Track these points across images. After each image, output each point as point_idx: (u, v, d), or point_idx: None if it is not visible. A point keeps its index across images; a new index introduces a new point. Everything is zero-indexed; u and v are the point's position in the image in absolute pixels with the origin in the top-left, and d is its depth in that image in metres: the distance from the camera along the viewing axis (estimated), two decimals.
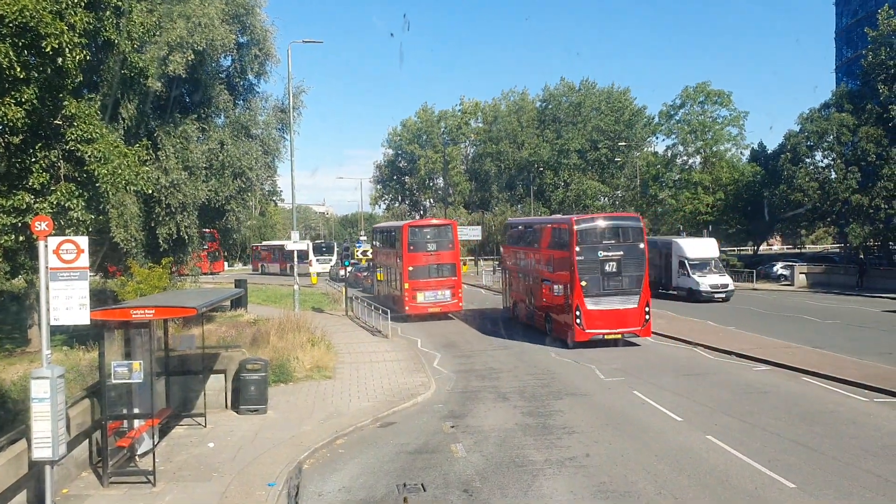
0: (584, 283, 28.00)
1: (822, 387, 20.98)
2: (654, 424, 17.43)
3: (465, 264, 74.44)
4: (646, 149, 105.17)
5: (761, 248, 77.58)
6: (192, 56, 29.32)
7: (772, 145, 66.56)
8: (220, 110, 34.43)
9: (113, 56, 26.72)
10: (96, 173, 19.00)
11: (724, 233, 64.22)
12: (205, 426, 17.71)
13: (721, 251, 64.18)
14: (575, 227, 28.61)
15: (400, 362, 26.16)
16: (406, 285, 37.71)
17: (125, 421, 14.49)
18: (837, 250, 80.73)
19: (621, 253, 28.40)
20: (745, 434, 16.33)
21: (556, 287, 29.38)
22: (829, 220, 53.17)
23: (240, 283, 44.24)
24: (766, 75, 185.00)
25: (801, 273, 54.12)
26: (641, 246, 28.99)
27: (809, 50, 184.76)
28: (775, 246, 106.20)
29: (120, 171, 19.50)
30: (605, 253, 28.34)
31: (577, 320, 27.92)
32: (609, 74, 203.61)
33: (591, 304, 28.10)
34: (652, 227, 73.32)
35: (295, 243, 37.56)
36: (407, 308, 37.87)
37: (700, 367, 24.25)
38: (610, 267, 28.34)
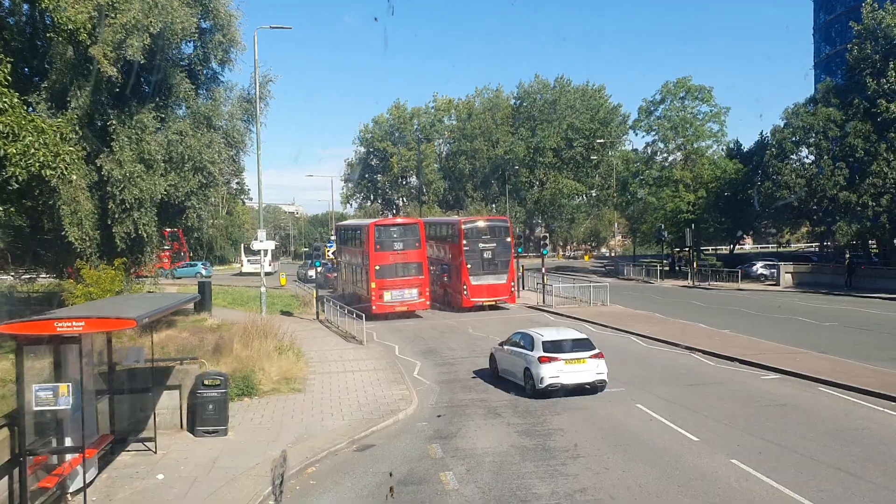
0: (469, 266, 39.11)
1: (841, 398, 19.12)
2: (668, 446, 15.41)
3: None
4: (621, 147, 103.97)
5: (734, 247, 76.32)
6: (150, 40, 27.04)
7: (748, 143, 65.31)
8: (180, 100, 32.07)
9: (57, 35, 24.38)
10: (5, 153, 16.39)
11: (704, 232, 62.64)
12: (155, 452, 15.38)
13: (701, 250, 63.19)
14: (463, 226, 40.23)
15: (377, 372, 23.94)
16: (373, 284, 36.93)
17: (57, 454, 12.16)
18: (815, 249, 79.89)
19: (495, 244, 39.73)
20: (773, 457, 14.35)
21: (451, 270, 38.98)
22: (815, 217, 51.75)
23: (203, 286, 41.79)
24: (742, 73, 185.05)
25: (786, 273, 52.70)
26: (508, 240, 41.01)
27: (788, 47, 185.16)
28: (747, 245, 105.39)
29: (34, 150, 16.87)
30: (484, 245, 39.48)
31: (465, 291, 39.04)
32: (584, 72, 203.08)
33: (474, 280, 39.31)
34: (632, 227, 71.86)
35: (261, 243, 35.14)
36: (374, 307, 36.77)
37: (704, 376, 22.32)
38: (487, 254, 39.42)
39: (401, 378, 22.84)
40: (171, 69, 30.45)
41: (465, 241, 39.40)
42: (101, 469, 13.83)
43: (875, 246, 58.95)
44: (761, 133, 69.05)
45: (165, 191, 29.39)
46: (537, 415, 18.24)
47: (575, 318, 35.77)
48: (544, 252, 43.25)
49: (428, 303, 38.30)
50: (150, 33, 26.85)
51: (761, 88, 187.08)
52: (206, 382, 16.96)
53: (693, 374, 22.59)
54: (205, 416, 16.78)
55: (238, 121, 35.00)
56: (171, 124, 30.49)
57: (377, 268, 37.09)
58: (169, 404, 17.25)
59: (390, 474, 13.89)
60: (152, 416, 15.93)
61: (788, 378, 21.58)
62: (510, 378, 21.66)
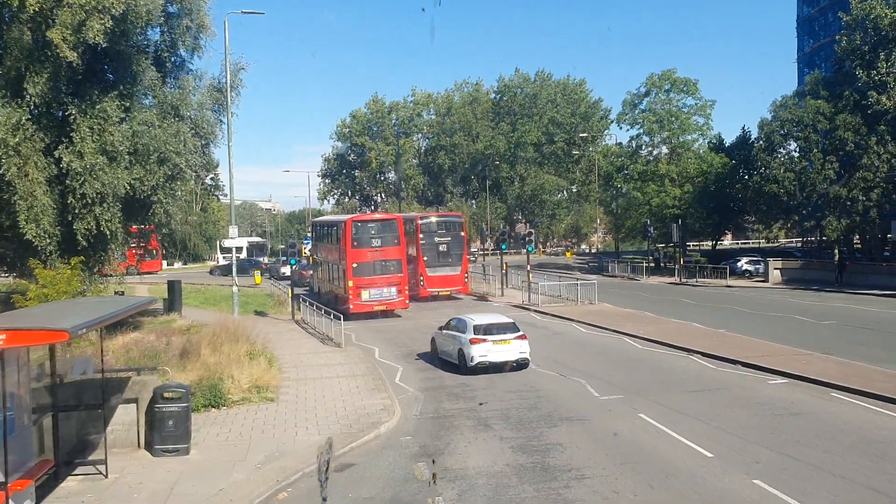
0: (425, 258, 41.61)
1: (859, 405, 17.70)
2: (680, 463, 13.88)
3: None
4: (602, 142, 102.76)
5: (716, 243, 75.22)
6: (111, 23, 25.17)
7: (731, 138, 64.13)
8: (146, 88, 30.27)
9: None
10: None
11: (689, 227, 61.35)
12: (106, 476, 13.64)
13: (686, 246, 61.92)
14: (419, 222, 43.07)
15: (356, 378, 22.26)
16: (350, 283, 35.48)
17: None
18: (797, 245, 78.97)
19: (449, 239, 42.45)
20: (801, 477, 12.87)
21: (409, 262, 39.44)
22: (804, 212, 50.63)
23: (173, 285, 39.92)
24: (725, 69, 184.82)
25: (775, 269, 51.54)
26: (462, 234, 44.40)
27: (771, 42, 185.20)
28: (726, 241, 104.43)
29: None
30: (439, 239, 42.09)
31: (422, 282, 41.13)
32: (565, 66, 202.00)
33: (430, 272, 41.82)
34: (616, 223, 70.52)
35: (233, 240, 33.27)
36: (351, 306, 35.35)
37: (707, 381, 20.84)
38: (442, 248, 41.99)
39: (382, 385, 21.18)
40: (137, 56, 28.64)
41: (421, 236, 42.24)
42: (39, 500, 12.06)
43: (858, 242, 58.05)
44: (743, 128, 68.12)
45: (130, 184, 27.52)
46: (532, 427, 16.66)
47: (563, 317, 34.30)
48: (530, 249, 41.63)
49: (408, 301, 36.78)
50: (111, 15, 25.01)
51: (744, 83, 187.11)
52: (165, 395, 15.24)
53: (695, 379, 21.10)
54: (164, 432, 15.05)
55: (208, 111, 33.21)
56: (137, 114, 28.63)
57: (355, 265, 35.57)
58: (125, 420, 15.52)
59: None
60: (104, 434, 14.16)
61: (797, 383, 20.17)
62: (447, 358, 23.97)
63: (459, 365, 22.77)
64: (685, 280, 53.64)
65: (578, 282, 41.13)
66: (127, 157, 27.45)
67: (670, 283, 53.40)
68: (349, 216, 43.31)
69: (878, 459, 13.69)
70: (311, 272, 50.91)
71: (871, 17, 49.68)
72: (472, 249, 61.58)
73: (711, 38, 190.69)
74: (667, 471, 13.49)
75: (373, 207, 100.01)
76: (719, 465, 13.66)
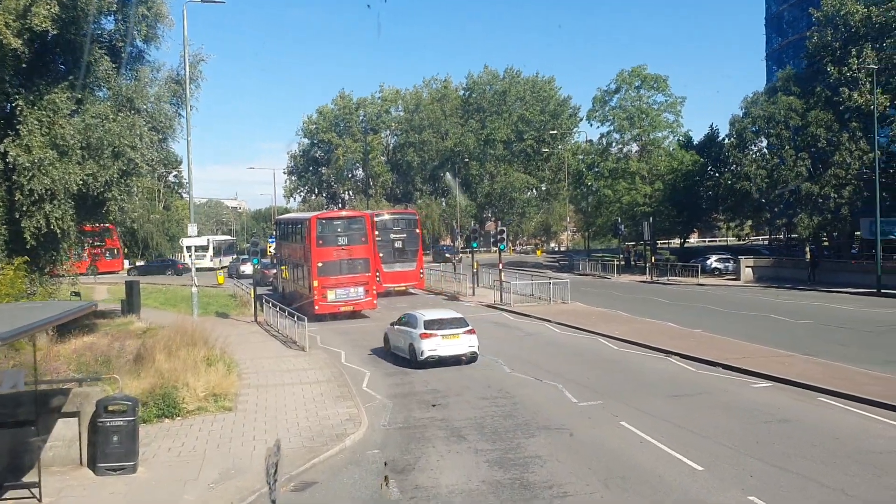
0: (381, 255, 41.70)
1: (849, 411, 16.90)
2: (669, 477, 12.91)
3: None
4: (571, 140, 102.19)
5: (684, 241, 74.97)
6: (58, 9, 23.76)
7: (697, 136, 63.74)
8: (100, 80, 28.72)
9: None
10: None
11: (659, 225, 60.81)
12: (40, 500, 12.33)
13: (656, 244, 61.45)
14: (375, 219, 42.65)
15: (321, 384, 21.06)
16: (315, 283, 34.19)
17: None
18: (764, 242, 79.05)
19: (405, 236, 43.17)
20: (801, 493, 11.97)
21: None
22: (776, 209, 50.24)
23: (131, 285, 38.35)
24: (694, 68, 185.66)
25: (747, 267, 51.11)
26: (417, 231, 45.79)
27: (740, 39, 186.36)
28: (693, 238, 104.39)
29: None
30: (395, 235, 42.57)
31: (378, 278, 39.80)
32: (534, 64, 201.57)
33: (386, 268, 42.31)
34: (586, 220, 69.87)
35: (192, 238, 31.78)
36: (317, 307, 34.10)
37: (689, 385, 19.95)
38: (398, 244, 42.51)
39: (347, 392, 20.00)
40: (89, 45, 27.16)
41: (377, 233, 42.47)
42: None
43: (826, 239, 57.83)
44: (711, 126, 67.64)
45: (82, 180, 26.08)
46: (508, 438, 15.60)
47: (536, 317, 33.36)
48: (502, 247, 40.67)
49: (375, 302, 35.54)
50: (59, 1, 23.67)
51: (712, 82, 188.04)
52: (110, 408, 13.94)
53: (676, 383, 20.20)
54: (108, 449, 13.76)
55: (166, 104, 31.70)
56: (90, 107, 27.19)
57: (320, 265, 34.23)
58: (65, 435, 14.20)
59: None
60: (39, 453, 12.85)
61: (781, 386, 19.35)
62: (399, 353, 24.47)
63: (410, 359, 23.43)
64: (656, 278, 53.05)
65: (551, 281, 40.22)
66: (79, 151, 26.01)
67: (641, 282, 52.76)
68: (314, 213, 42.05)
69: (880, 472, 12.82)
70: (273, 271, 49.98)
71: (842, 13, 49.49)
72: (450, 248, 60.44)
73: (679, 37, 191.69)
74: (656, 486, 12.51)
75: (340, 205, 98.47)
76: (711, 480, 12.70)
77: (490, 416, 17.33)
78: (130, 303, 37.21)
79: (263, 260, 48.08)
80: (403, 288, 43.02)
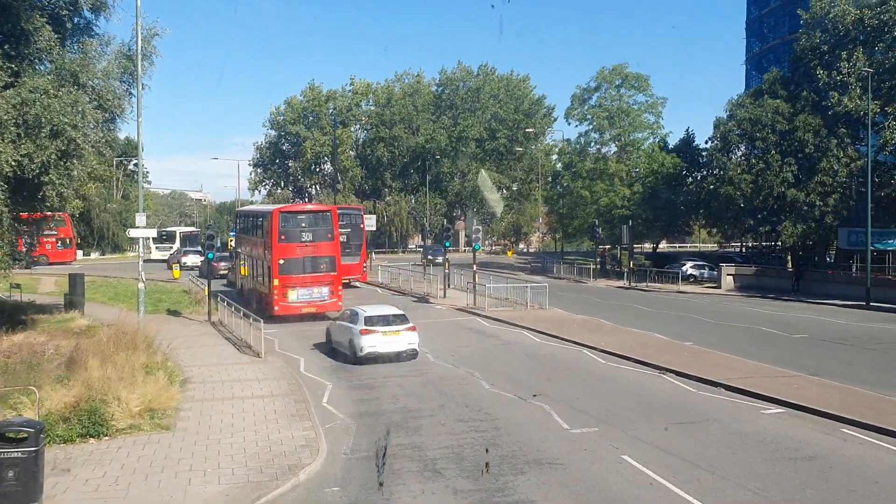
0: None
1: (880, 447, 14.78)
2: None
3: None
4: (545, 140, 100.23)
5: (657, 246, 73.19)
6: None
7: (675, 139, 61.91)
8: (41, 51, 25.87)
9: None
10: None
11: (635, 229, 58.73)
12: None
13: (630, 249, 59.44)
14: None
15: (275, 399, 18.48)
16: (275, 281, 31.48)
17: None
18: (738, 250, 77.56)
19: (349, 230, 42.00)
20: None
21: None
22: (759, 216, 48.45)
23: (75, 278, 35.45)
24: (672, 71, 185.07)
25: (728, 275, 49.30)
26: (361, 226, 46.42)
27: (719, 43, 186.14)
28: (662, 244, 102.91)
29: None
30: (340, 230, 37.00)
31: None
32: (508, 63, 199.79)
33: None
34: (561, 222, 67.75)
35: (140, 230, 28.89)
36: (276, 308, 31.59)
37: (693, 409, 17.71)
38: (342, 238, 38.19)
39: (305, 409, 17.45)
40: (28, 13, 24.38)
41: None
42: None
43: (801, 248, 56.28)
44: (687, 130, 65.77)
45: (16, 161, 23.27)
46: (493, 474, 13.19)
47: (513, 324, 31.04)
48: (476, 247, 38.29)
49: (340, 303, 32.85)
50: None
51: (691, 87, 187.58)
52: (7, 435, 11.28)
53: (678, 407, 17.95)
54: (2, 487, 11.10)
55: (115, 80, 28.82)
56: (27, 80, 24.34)
57: (281, 262, 31.52)
58: None
59: None
60: None
61: (796, 413, 17.20)
62: (340, 348, 24.35)
63: (349, 355, 23.35)
64: (634, 284, 51.07)
65: (529, 285, 37.92)
66: (13, 129, 23.22)
67: (619, 287, 50.71)
68: (276, 206, 39.39)
69: None
70: (222, 264, 48.28)
71: (831, 15, 47.90)
72: (437, 249, 57.29)
73: (656, 42, 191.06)
74: None
75: (307, 199, 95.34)
76: None
77: (470, 445, 14.92)
78: (74, 297, 34.36)
79: (220, 254, 45.54)
80: (347, 280, 41.55)
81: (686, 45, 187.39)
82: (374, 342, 22.82)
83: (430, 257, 55.83)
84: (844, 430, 15.79)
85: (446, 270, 41.90)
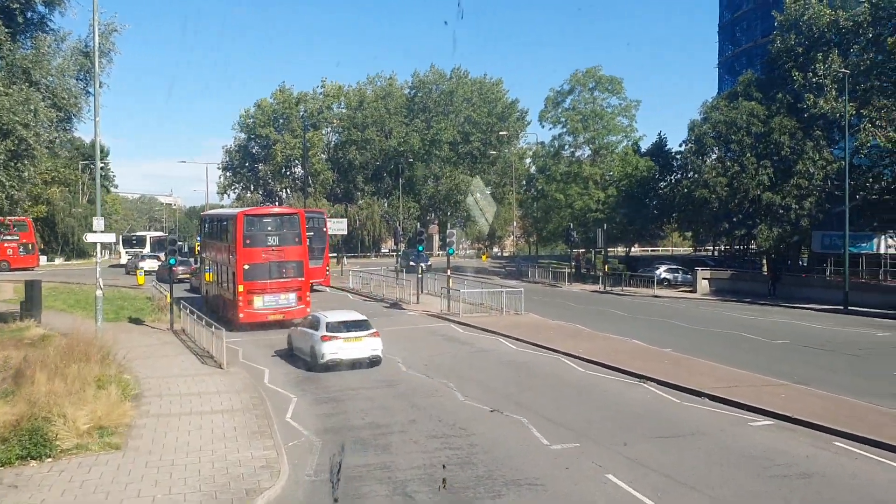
0: None
1: (879, 462, 14.01)
2: None
3: None
4: (518, 144, 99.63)
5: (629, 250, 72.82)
6: None
7: (647, 143, 61.50)
8: None
9: None
10: None
11: (609, 232, 58.06)
12: None
13: (605, 252, 58.89)
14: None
15: (235, 415, 17.34)
16: (240, 287, 30.27)
17: None
18: (710, 253, 77.30)
19: (312, 234, 39.82)
20: None
21: None
22: (735, 219, 47.98)
23: (32, 285, 33.97)
24: (644, 76, 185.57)
25: (703, 279, 48.78)
26: (324, 229, 47.13)
27: (693, 46, 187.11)
28: (633, 248, 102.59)
29: None
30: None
31: None
32: (481, 66, 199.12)
33: None
34: (536, 225, 67.02)
35: (97, 234, 27.50)
36: (241, 315, 30.43)
37: (677, 422, 16.83)
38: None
39: (267, 426, 16.33)
40: None
41: None
42: None
43: (773, 252, 55.97)
44: (660, 134, 65.47)
45: None
46: (468, 499, 12.21)
47: (488, 330, 30.07)
48: (451, 251, 37.29)
49: (308, 310, 31.69)
50: None
51: (664, 91, 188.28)
52: None
53: (661, 419, 17.07)
54: None
55: (70, 78, 27.63)
56: None
57: (246, 267, 30.30)
58: None
59: None
60: None
61: (786, 426, 16.39)
62: (301, 355, 23.82)
63: (311, 362, 22.84)
64: (609, 288, 50.38)
65: (504, 290, 36.98)
66: None
67: (594, 291, 49.98)
68: (241, 209, 38.11)
69: None
70: (180, 268, 46.56)
71: (805, 17, 47.61)
72: (418, 255, 55.88)
73: (631, 46, 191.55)
74: None
75: (277, 203, 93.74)
76: None
77: (443, 464, 13.90)
78: (30, 305, 32.88)
79: (182, 259, 44.32)
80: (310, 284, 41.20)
81: (659, 49, 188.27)
82: (335, 349, 22.22)
83: (411, 263, 53.75)
84: (838, 444, 15.01)
85: (419, 275, 40.90)
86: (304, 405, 18.72)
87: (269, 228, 31.28)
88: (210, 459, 14.08)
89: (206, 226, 39.40)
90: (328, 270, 48.74)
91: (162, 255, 74.96)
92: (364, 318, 23.77)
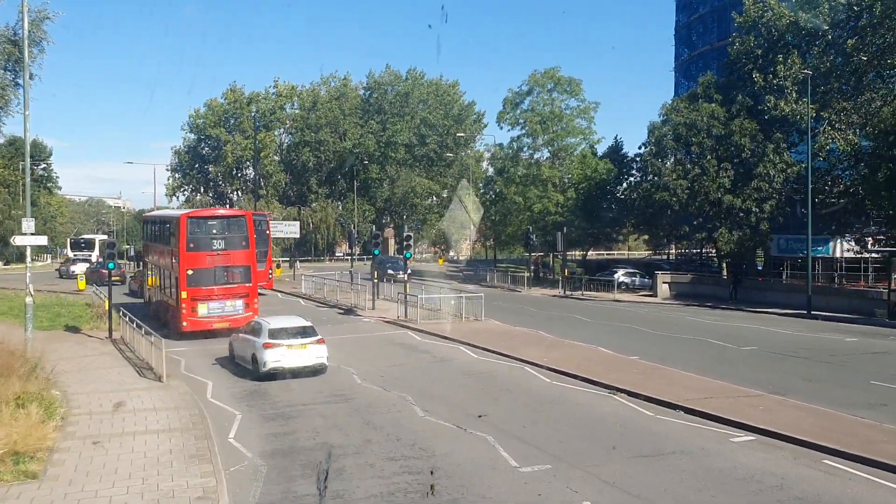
0: None
1: (877, 484, 12.91)
2: None
3: (278, 266, 63.87)
4: (475, 146, 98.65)
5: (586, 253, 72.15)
6: None
7: (603, 147, 60.85)
8: None
9: None
10: None
11: (568, 236, 57.17)
12: None
13: (564, 256, 58.03)
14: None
15: (172, 435, 15.69)
16: (183, 294, 28.58)
17: None
18: (665, 257, 77.10)
19: (255, 236, 33.47)
20: None
21: None
22: (695, 222, 47.39)
23: None
24: (602, 79, 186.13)
25: (663, 283, 48.11)
26: (267, 232, 45.93)
27: (651, 50, 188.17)
28: (590, 252, 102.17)
29: None
30: None
31: None
32: (437, 69, 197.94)
33: None
34: (495, 229, 65.96)
35: (26, 237, 25.46)
36: (185, 323, 28.77)
37: (653, 438, 15.62)
38: None
39: (206, 448, 14.70)
40: None
41: None
42: None
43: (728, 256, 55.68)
44: (616, 137, 64.88)
45: None
46: None
47: (448, 338, 28.74)
48: (408, 255, 35.87)
49: (256, 317, 30.11)
50: None
51: (621, 95, 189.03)
52: None
53: (637, 436, 15.85)
54: None
55: None
56: None
57: (190, 273, 28.59)
58: None
59: None
60: None
61: (769, 442, 15.30)
62: (243, 363, 22.70)
63: (252, 370, 21.82)
64: (569, 293, 49.44)
65: (463, 295, 35.67)
66: None
67: (554, 296, 48.98)
68: (184, 211, 36.26)
69: None
70: (104, 271, 44.55)
71: (764, 19, 47.29)
72: (394, 262, 53.42)
73: (587, 50, 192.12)
74: None
75: (228, 206, 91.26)
76: None
77: (403, 492, 12.51)
78: None
79: (121, 262, 42.30)
80: None
81: (615, 54, 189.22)
82: (278, 356, 21.19)
83: (389, 272, 50.53)
84: (828, 462, 13.94)
85: (374, 280, 39.39)
86: (250, 423, 17.13)
87: (215, 231, 29.60)
88: (140, 490, 12.46)
89: (148, 228, 37.44)
90: (271, 274, 48.02)
91: (94, 257, 72.49)
92: (309, 324, 22.77)
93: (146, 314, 33.60)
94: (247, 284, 29.72)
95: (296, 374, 21.41)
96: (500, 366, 23.67)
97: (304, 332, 22.02)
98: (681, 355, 25.39)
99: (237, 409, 18.31)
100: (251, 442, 15.58)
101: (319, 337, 22.09)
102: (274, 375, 21.24)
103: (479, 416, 17.09)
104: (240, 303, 29.33)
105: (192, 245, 28.78)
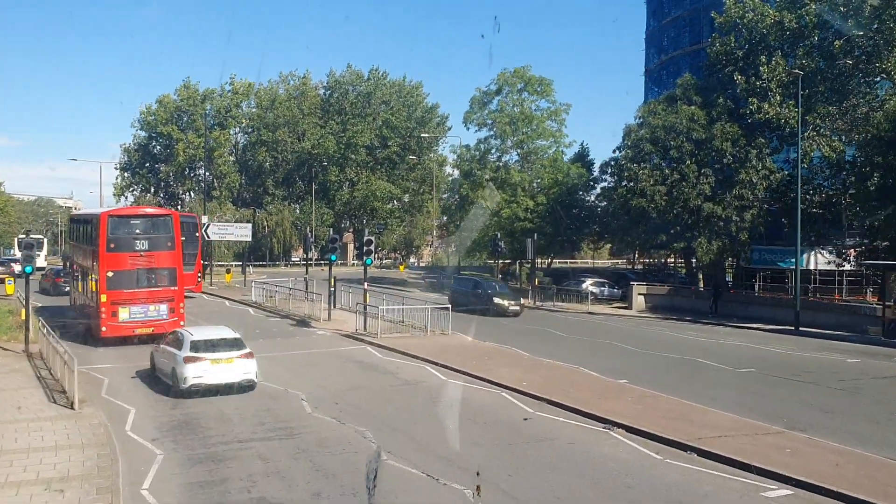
0: None
1: None
2: None
3: (228, 271, 60.31)
4: (439, 150, 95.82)
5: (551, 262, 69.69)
6: None
7: (570, 152, 58.36)
8: None
9: None
10: None
11: (539, 243, 54.43)
12: None
13: (533, 264, 55.44)
14: None
15: (70, 485, 12.36)
16: (103, 297, 26.15)
17: None
18: (631, 267, 74.96)
19: (184, 238, 31.97)
20: None
21: None
22: (673, 231, 44.92)
23: None
24: (573, 83, 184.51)
25: (639, 294, 45.61)
26: (197, 234, 43.93)
27: (621, 55, 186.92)
28: (554, 260, 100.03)
29: None
30: None
31: None
32: (401, 70, 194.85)
33: None
34: (462, 235, 62.90)
35: None
36: (104, 328, 26.28)
37: (670, 497, 12.69)
38: None
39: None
40: None
41: None
42: None
43: (693, 266, 53.50)
44: (582, 144, 62.51)
45: None
46: None
47: (413, 355, 25.55)
48: (368, 262, 32.68)
49: (182, 322, 27.50)
50: None
51: (591, 100, 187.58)
52: None
53: (650, 490, 12.93)
54: None
55: None
56: None
57: (110, 275, 26.17)
58: None
59: None
60: None
61: (809, 498, 12.56)
62: (162, 377, 20.79)
63: (172, 386, 19.75)
64: (539, 303, 46.67)
65: (428, 305, 32.58)
66: None
67: (523, 306, 46.06)
68: (105, 210, 33.32)
69: None
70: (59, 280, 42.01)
71: (745, 20, 45.11)
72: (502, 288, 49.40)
73: (556, 54, 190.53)
74: None
75: (179, 207, 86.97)
76: None
77: None
78: None
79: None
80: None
81: (585, 59, 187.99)
82: (200, 371, 19.16)
83: (478, 291, 41.65)
84: None
85: (331, 288, 36.15)
86: (172, 467, 13.85)
87: (138, 231, 27.20)
88: None
89: (74, 228, 34.19)
90: (200, 277, 46.90)
91: (42, 259, 68.16)
92: (237, 335, 20.67)
93: (73, 319, 30.35)
94: (172, 288, 27.49)
95: (219, 391, 19.21)
96: (474, 392, 20.58)
97: (230, 345, 19.98)
98: (673, 378, 22.74)
99: (159, 448, 14.99)
100: (170, 488, 12.45)
101: (248, 350, 20.08)
102: (194, 392, 19.02)
103: (455, 466, 14.02)
104: (164, 307, 27.01)
105: (112, 245, 26.47)
